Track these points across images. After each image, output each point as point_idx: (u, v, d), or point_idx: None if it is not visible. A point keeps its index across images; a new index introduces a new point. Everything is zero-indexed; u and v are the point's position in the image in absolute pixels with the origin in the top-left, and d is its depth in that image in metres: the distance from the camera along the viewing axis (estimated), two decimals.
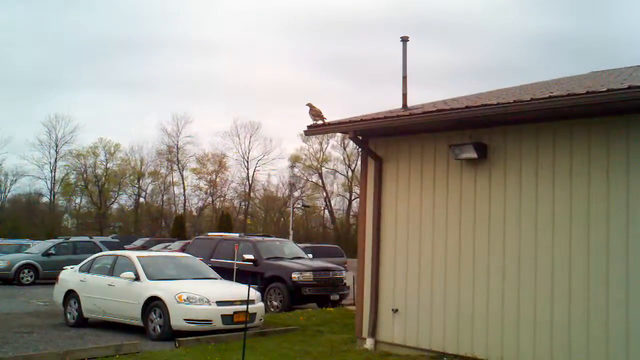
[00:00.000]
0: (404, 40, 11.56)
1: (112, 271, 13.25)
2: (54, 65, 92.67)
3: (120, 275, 12.74)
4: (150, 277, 12.54)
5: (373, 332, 10.65)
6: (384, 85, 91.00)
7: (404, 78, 11.51)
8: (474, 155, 9.57)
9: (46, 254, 25.46)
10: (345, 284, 18.27)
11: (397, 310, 10.41)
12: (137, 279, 12.52)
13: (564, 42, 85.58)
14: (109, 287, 12.96)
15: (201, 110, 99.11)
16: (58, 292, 14.36)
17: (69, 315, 13.78)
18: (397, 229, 10.69)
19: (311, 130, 11.26)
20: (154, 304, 11.98)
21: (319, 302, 17.49)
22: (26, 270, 24.83)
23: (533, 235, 8.99)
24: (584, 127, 8.65)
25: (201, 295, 11.85)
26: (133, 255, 13.53)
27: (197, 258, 15.31)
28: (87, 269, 13.97)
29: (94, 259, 14.31)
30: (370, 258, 10.91)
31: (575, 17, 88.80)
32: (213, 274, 13.94)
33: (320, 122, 11.04)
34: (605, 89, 7.94)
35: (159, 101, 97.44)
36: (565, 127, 8.82)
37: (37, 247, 27.16)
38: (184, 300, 11.71)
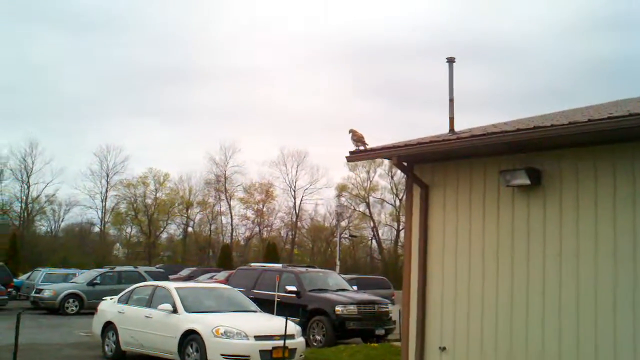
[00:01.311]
0: (450, 61, 11.06)
1: (150, 302, 12.96)
2: (103, 95, 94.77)
3: (158, 307, 12.41)
4: (188, 310, 12.16)
5: None
6: (432, 111, 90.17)
7: (451, 101, 10.99)
8: (526, 181, 8.93)
9: (91, 283, 25.49)
10: (391, 318, 17.56)
11: (445, 348, 9.73)
12: (175, 311, 12.17)
13: (608, 67, 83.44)
14: (147, 319, 12.64)
15: (248, 139, 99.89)
16: (97, 324, 14.13)
17: (107, 348, 13.52)
18: (444, 260, 10.05)
19: (353, 157, 10.79)
20: (190, 337, 11.59)
21: (363, 337, 16.82)
22: (71, 300, 24.86)
23: (593, 270, 8.25)
24: None
25: (239, 329, 11.39)
26: (171, 286, 13.20)
27: (237, 289, 14.88)
28: (126, 300, 13.71)
29: (133, 289, 14.07)
30: (416, 291, 10.29)
31: (619, 41, 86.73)
32: (253, 306, 13.49)
33: (362, 147, 10.56)
34: None
35: (206, 130, 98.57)
36: (627, 150, 8.14)
37: (82, 277, 27.22)
38: (222, 334, 11.27)
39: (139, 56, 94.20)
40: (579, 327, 8.28)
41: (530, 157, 9.07)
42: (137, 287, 14.22)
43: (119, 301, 13.86)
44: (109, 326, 13.56)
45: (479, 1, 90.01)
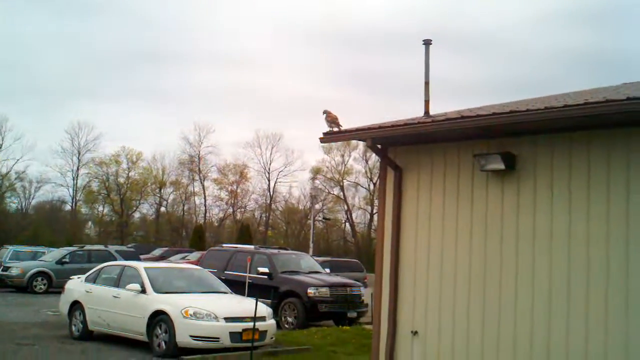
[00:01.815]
0: (427, 43, 10.89)
1: (118, 282, 12.75)
2: (78, 73, 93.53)
3: (126, 287, 12.22)
4: (157, 290, 11.98)
5: (391, 356, 9.90)
6: (411, 100, 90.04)
7: (426, 84, 10.83)
8: (501, 166, 8.85)
9: (60, 262, 25.11)
10: (363, 300, 17.55)
11: (416, 332, 9.68)
12: (144, 291, 11.98)
13: (582, 58, 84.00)
14: (115, 299, 12.44)
15: (224, 120, 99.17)
16: (64, 303, 13.91)
17: (73, 328, 13.30)
18: (417, 243, 9.97)
19: (327, 138, 10.61)
20: (159, 318, 11.42)
21: (335, 319, 16.80)
22: (40, 278, 24.50)
23: (565, 254, 8.23)
24: (623, 137, 7.91)
25: (209, 310, 11.24)
26: (140, 266, 12.99)
27: (207, 270, 14.70)
28: (94, 279, 13.49)
29: (101, 269, 13.84)
30: (388, 274, 10.20)
31: (594, 33, 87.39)
32: (224, 287, 13.34)
33: (336, 129, 10.40)
34: None
35: (182, 111, 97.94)
36: (602, 136, 8.10)
37: (51, 255, 26.84)
38: (191, 315, 11.12)
39: (116, 36, 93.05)
40: (550, 311, 8.26)
41: (505, 142, 8.99)
42: (105, 267, 13.99)
43: (87, 280, 13.63)
44: (76, 305, 13.34)
45: None
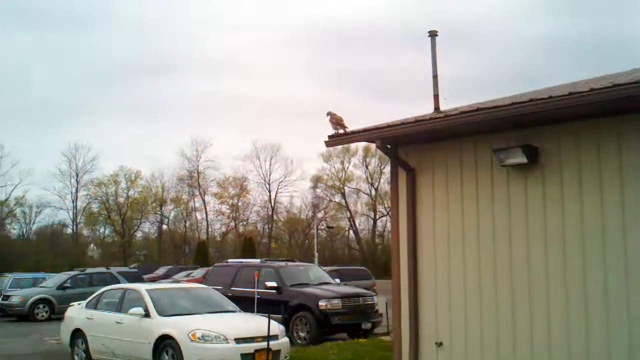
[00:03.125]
0: (432, 35, 10.33)
1: (120, 307, 12.12)
2: (70, 94, 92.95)
3: (129, 312, 11.59)
4: (161, 313, 11.34)
5: None
6: (409, 102, 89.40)
7: (435, 77, 10.26)
8: (523, 160, 8.23)
9: (61, 287, 24.44)
10: (377, 310, 16.87)
11: (441, 343, 9.02)
12: (147, 315, 11.34)
13: (576, 46, 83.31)
14: (117, 324, 11.80)
15: (221, 133, 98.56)
16: (65, 331, 13.30)
17: (76, 357, 12.73)
18: (436, 248, 9.34)
19: (333, 141, 10.00)
20: (166, 343, 10.77)
21: (349, 332, 16.12)
22: (41, 306, 23.82)
23: (600, 251, 7.59)
24: None
25: (218, 332, 10.59)
26: (142, 288, 12.33)
27: (211, 288, 14.03)
28: (94, 305, 12.86)
29: (101, 293, 13.20)
30: (407, 283, 9.56)
31: (585, 19, 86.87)
32: (232, 306, 12.67)
33: (341, 130, 9.79)
34: None
35: (177, 126, 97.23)
36: (632, 121, 7.48)
37: (52, 281, 26.12)
38: (199, 338, 10.47)
39: (103, 53, 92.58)
40: (587, 314, 7.61)
41: (525, 134, 8.36)
42: (106, 291, 13.34)
43: (87, 306, 13.00)
44: (77, 334, 12.75)
45: None
